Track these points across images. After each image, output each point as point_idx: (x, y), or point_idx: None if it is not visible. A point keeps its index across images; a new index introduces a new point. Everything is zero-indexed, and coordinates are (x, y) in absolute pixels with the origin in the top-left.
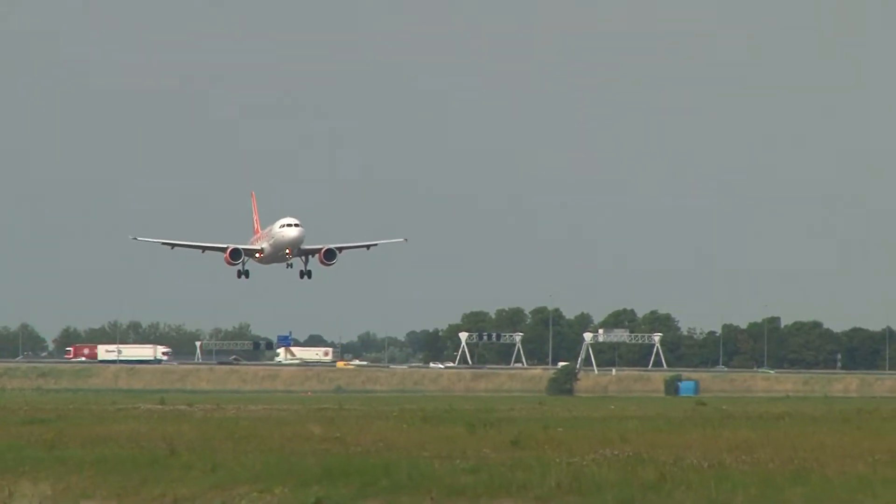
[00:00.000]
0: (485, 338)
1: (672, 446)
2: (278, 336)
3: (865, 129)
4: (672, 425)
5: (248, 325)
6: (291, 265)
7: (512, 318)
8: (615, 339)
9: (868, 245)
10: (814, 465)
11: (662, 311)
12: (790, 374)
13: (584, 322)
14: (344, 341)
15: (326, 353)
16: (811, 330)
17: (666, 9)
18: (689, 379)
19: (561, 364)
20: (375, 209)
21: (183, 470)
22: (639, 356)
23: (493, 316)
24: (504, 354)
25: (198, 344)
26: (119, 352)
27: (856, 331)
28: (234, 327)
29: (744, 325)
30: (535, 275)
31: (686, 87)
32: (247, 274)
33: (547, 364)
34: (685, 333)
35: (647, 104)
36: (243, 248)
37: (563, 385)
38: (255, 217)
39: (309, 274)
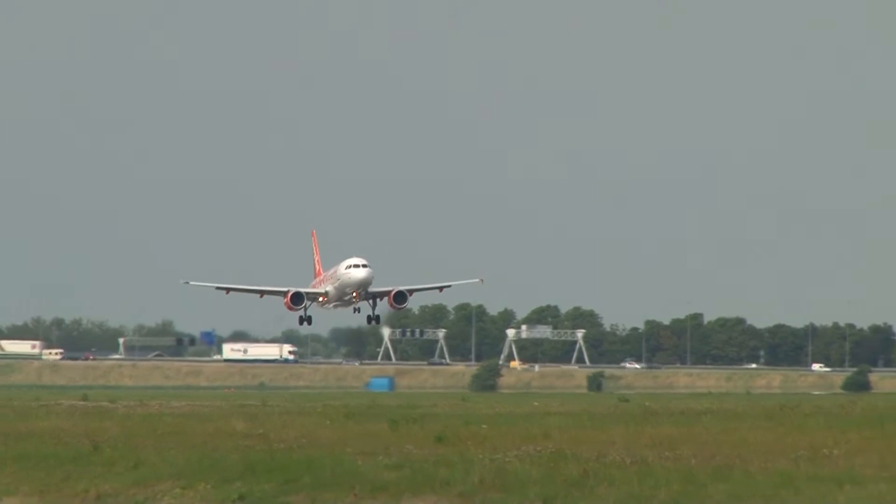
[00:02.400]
0: (408, 334)
1: (595, 443)
2: (201, 332)
3: (780, 130)
4: (595, 422)
5: (172, 322)
6: (359, 309)
7: (435, 315)
8: (538, 336)
9: (790, 243)
10: (736, 462)
11: (586, 307)
12: (712, 371)
13: (507, 318)
14: (268, 337)
15: (34, 346)
16: (734, 326)
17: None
18: (612, 376)
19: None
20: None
21: (106, 466)
22: (562, 352)
23: (416, 312)
24: (427, 350)
25: (121, 340)
26: (245, 351)
27: (778, 327)
28: (156, 324)
29: (667, 322)
30: (460, 271)
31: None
32: (309, 320)
33: (470, 361)
34: (608, 330)
35: (558, 109)
36: (305, 292)
37: (486, 381)
38: (317, 258)
39: (377, 319)
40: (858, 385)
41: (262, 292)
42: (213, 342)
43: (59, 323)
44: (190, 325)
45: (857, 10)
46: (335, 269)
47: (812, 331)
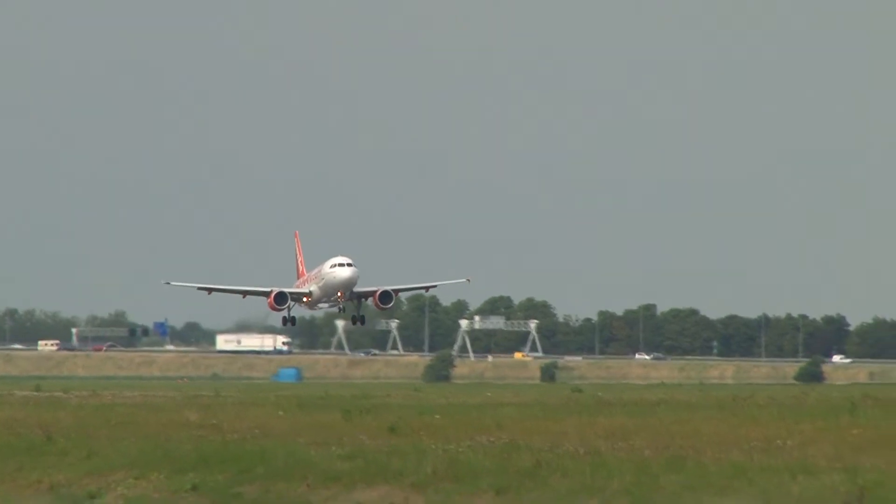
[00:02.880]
0: (359, 323)
1: (548, 433)
2: (154, 323)
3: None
4: (548, 412)
5: (125, 313)
6: (343, 309)
7: None
8: (491, 326)
9: (744, 233)
10: (689, 453)
11: (539, 298)
12: (666, 361)
13: (460, 309)
14: (221, 327)
15: None
16: (687, 317)
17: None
18: (566, 366)
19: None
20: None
21: (59, 456)
22: (515, 343)
23: (369, 303)
24: (380, 341)
25: (74, 331)
26: (239, 342)
27: (731, 318)
28: (109, 314)
29: (620, 312)
30: (411, 262)
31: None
32: (293, 321)
33: (423, 351)
34: (561, 320)
35: (506, 102)
36: (289, 292)
37: (439, 372)
38: (300, 259)
39: (362, 319)
40: (811, 376)
41: (244, 292)
42: (165, 333)
43: (11, 313)
44: (143, 317)
45: None
46: (319, 268)
47: (765, 321)
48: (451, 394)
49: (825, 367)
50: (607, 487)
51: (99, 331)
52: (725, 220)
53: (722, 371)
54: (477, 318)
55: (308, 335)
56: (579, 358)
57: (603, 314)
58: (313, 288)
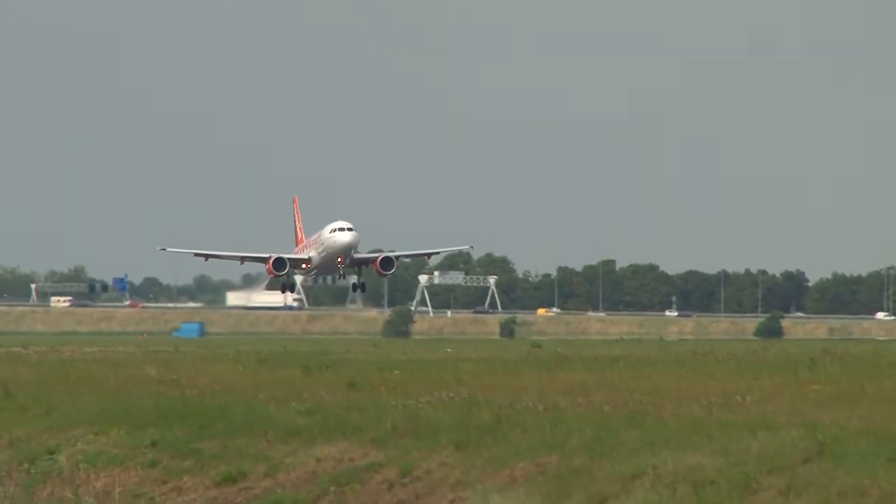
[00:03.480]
0: (320, 280)
1: (508, 389)
2: (114, 278)
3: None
4: (507, 368)
5: (84, 268)
6: (343, 276)
7: None
8: (450, 282)
9: (702, 188)
10: (649, 408)
11: (498, 253)
12: (625, 317)
13: (419, 265)
14: (179, 283)
15: None
16: (647, 272)
17: None
18: (524, 322)
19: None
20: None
21: (18, 412)
22: (474, 298)
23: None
24: (340, 296)
25: (33, 286)
26: (249, 298)
27: (691, 273)
28: (69, 269)
29: (579, 268)
30: (369, 217)
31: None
32: (292, 287)
33: (383, 306)
34: (521, 276)
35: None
36: (288, 258)
37: (398, 327)
38: (299, 225)
39: (363, 287)
40: (770, 331)
41: (242, 258)
42: (125, 288)
43: None
44: (103, 272)
45: None
46: (319, 233)
47: (724, 277)
48: (410, 349)
49: (784, 322)
50: (567, 443)
51: (58, 286)
52: (684, 175)
53: (681, 326)
54: (436, 273)
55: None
56: (602, 313)
57: (562, 270)
58: (312, 254)
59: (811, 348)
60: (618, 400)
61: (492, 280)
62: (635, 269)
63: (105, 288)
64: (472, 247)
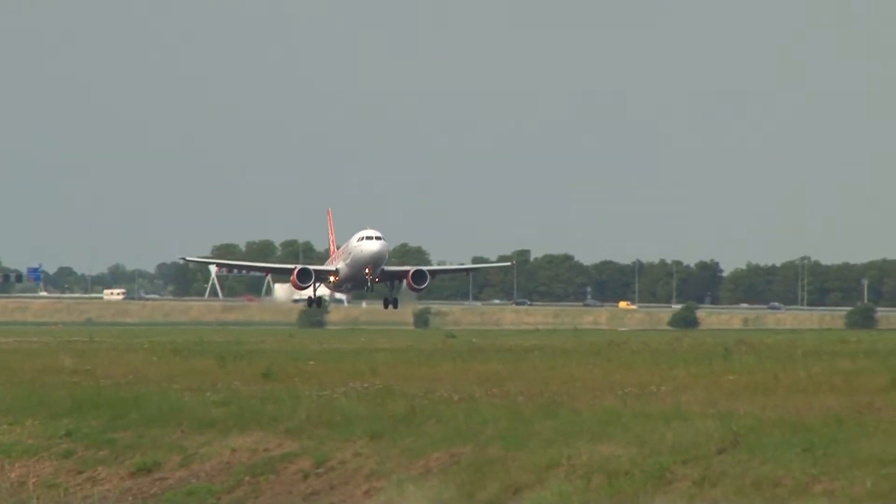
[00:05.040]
0: (234, 270)
1: (422, 379)
2: (28, 268)
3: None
4: (422, 358)
5: None
6: (371, 288)
7: (262, 251)
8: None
9: (617, 179)
10: (564, 399)
11: (413, 243)
12: (540, 307)
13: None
14: (94, 273)
15: None
16: (561, 263)
17: None
18: (439, 312)
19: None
20: None
21: None
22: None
23: (243, 248)
24: (254, 287)
25: None
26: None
27: (605, 264)
28: None
29: (494, 258)
30: (284, 207)
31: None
32: (318, 302)
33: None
34: (436, 266)
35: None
36: (314, 269)
37: (313, 318)
38: (332, 237)
39: (395, 303)
40: (685, 321)
41: (267, 270)
42: (39, 278)
43: None
44: (16, 262)
45: None
46: (347, 243)
47: (639, 267)
48: (325, 339)
49: (699, 313)
50: (481, 433)
51: None
52: (599, 165)
53: (596, 317)
54: None
55: (182, 281)
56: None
57: (477, 260)
58: (340, 265)
59: (726, 338)
60: (533, 390)
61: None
62: (550, 260)
63: (19, 278)
64: (513, 263)
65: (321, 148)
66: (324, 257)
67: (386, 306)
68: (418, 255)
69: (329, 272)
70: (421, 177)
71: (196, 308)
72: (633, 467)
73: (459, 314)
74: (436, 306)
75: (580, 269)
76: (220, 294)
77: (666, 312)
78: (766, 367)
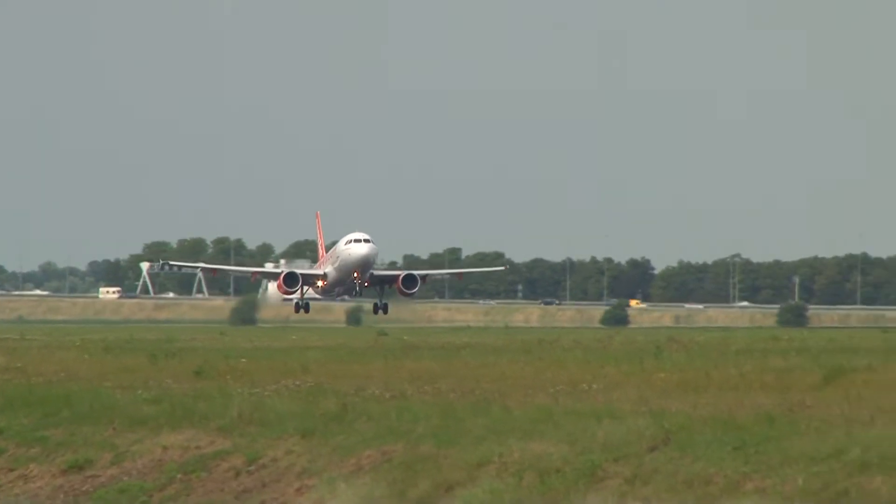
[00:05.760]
0: (166, 268)
1: (354, 377)
2: None
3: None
4: (354, 356)
5: None
6: (360, 293)
7: (194, 248)
8: (298, 269)
9: (549, 176)
10: (495, 396)
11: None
12: (471, 305)
13: (265, 252)
14: (25, 270)
15: None
16: (493, 260)
17: None
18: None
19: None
20: None
21: None
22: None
23: (175, 246)
24: (185, 284)
25: None
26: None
27: (537, 262)
28: None
29: (425, 256)
30: (217, 205)
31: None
32: (306, 307)
33: (229, 294)
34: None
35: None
36: (301, 273)
37: (245, 315)
38: (321, 241)
39: (385, 308)
40: (616, 319)
41: (253, 273)
42: None
43: None
44: None
45: None
46: (335, 247)
47: (570, 265)
48: (256, 337)
49: (630, 311)
50: (413, 431)
51: None
52: (530, 165)
53: (527, 315)
54: (283, 261)
55: (113, 279)
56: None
57: (408, 258)
58: (329, 269)
59: (657, 336)
60: (464, 388)
61: None
62: (481, 258)
63: None
64: (507, 267)
65: (243, 145)
66: (256, 255)
67: (376, 311)
68: None
69: (317, 276)
70: (352, 175)
71: (127, 306)
72: (565, 465)
73: (391, 311)
74: (367, 304)
75: (511, 267)
76: (150, 291)
77: (597, 310)
78: (698, 365)
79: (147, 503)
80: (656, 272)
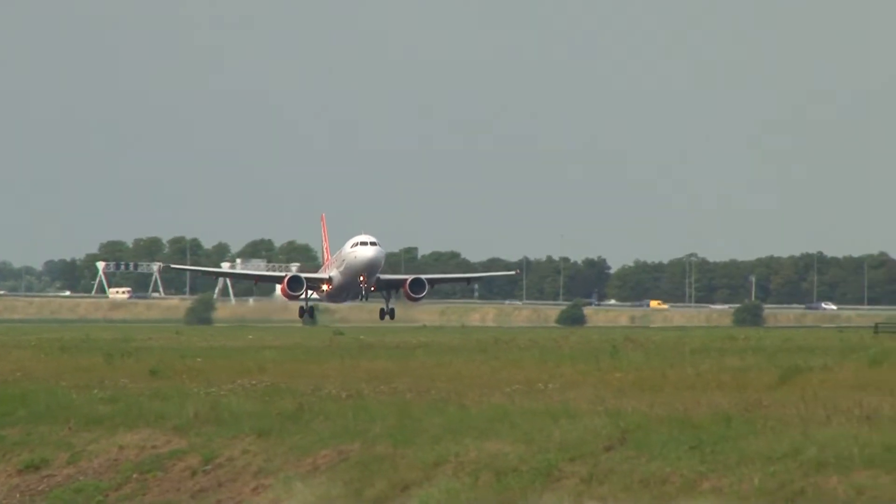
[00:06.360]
0: (122, 267)
1: (310, 376)
2: None
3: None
4: (310, 355)
5: None
6: (366, 297)
7: (150, 248)
8: (253, 270)
9: (505, 174)
10: (451, 396)
11: (300, 241)
12: (427, 304)
13: (221, 252)
14: None
15: None
16: (449, 260)
17: None
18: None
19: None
20: None
21: None
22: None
23: (131, 245)
24: (142, 284)
25: None
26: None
27: (493, 261)
28: None
29: None
30: (173, 205)
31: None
32: (311, 312)
33: (185, 293)
34: (322, 263)
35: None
36: (306, 277)
37: (200, 314)
38: (325, 244)
39: (391, 313)
40: (573, 319)
41: (256, 277)
42: None
43: None
44: None
45: None
46: (340, 250)
47: (526, 264)
48: (212, 337)
49: (586, 310)
50: (369, 430)
51: None
52: (485, 161)
53: (483, 314)
54: (238, 261)
55: (69, 278)
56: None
57: None
58: (334, 273)
59: (613, 336)
60: (420, 387)
61: (294, 267)
62: (437, 257)
63: None
64: (517, 272)
65: (201, 139)
66: (212, 254)
67: (382, 317)
68: (306, 251)
69: (322, 280)
70: (303, 172)
71: (84, 305)
72: (521, 464)
73: (347, 311)
74: (324, 303)
75: (467, 266)
76: (106, 291)
77: (553, 309)
78: (654, 364)
79: (103, 502)
80: (612, 272)
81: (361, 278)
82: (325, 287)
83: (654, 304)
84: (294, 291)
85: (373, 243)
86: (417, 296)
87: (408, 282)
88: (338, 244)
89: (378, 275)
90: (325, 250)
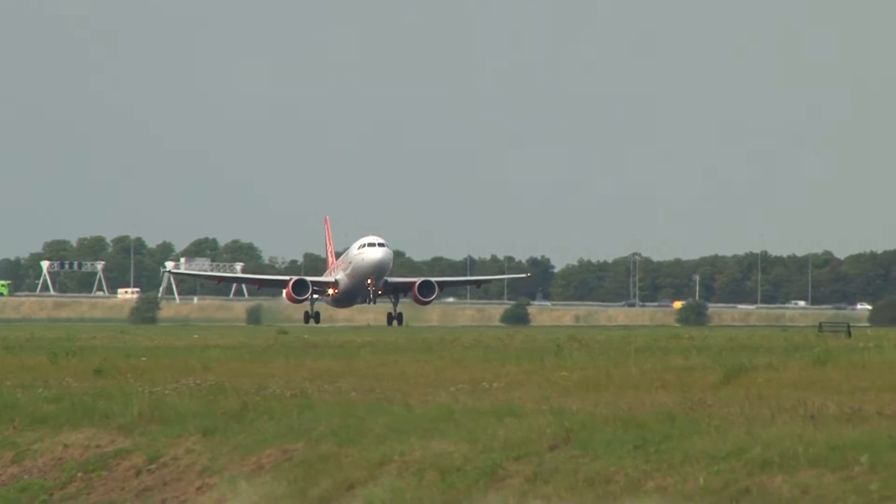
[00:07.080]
0: (66, 266)
1: (255, 375)
2: None
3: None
4: (255, 354)
5: None
6: (373, 300)
7: (94, 247)
8: (197, 269)
9: (446, 175)
10: (396, 395)
11: (245, 240)
12: (375, 304)
13: (166, 251)
14: None
15: None
16: (393, 259)
17: None
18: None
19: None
20: None
21: None
22: (222, 285)
23: (75, 245)
24: (86, 283)
25: None
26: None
27: (437, 260)
28: None
29: (324, 255)
30: (118, 204)
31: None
32: (316, 317)
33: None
34: (267, 262)
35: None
36: (312, 280)
37: (145, 314)
38: (330, 247)
39: (399, 318)
40: (517, 318)
41: (260, 281)
42: None
43: None
44: None
45: None
46: (347, 252)
47: (470, 263)
48: (157, 336)
49: (530, 310)
50: (314, 429)
51: None
52: (427, 159)
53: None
54: (183, 260)
55: (15, 277)
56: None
57: (309, 256)
58: (340, 276)
59: (557, 335)
60: (365, 386)
61: (238, 266)
62: None
63: None
64: (529, 274)
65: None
66: (156, 253)
67: (390, 322)
68: (250, 250)
69: (328, 284)
70: (251, 173)
71: (27, 304)
72: (466, 463)
73: (292, 310)
74: (267, 303)
75: (411, 265)
76: (51, 290)
77: (497, 309)
78: (598, 363)
79: (48, 501)
80: (556, 271)
81: (369, 281)
82: (330, 291)
83: (676, 304)
84: (299, 295)
85: (381, 244)
86: (427, 299)
87: (416, 285)
88: (292, 241)
89: (386, 277)
90: (329, 253)
